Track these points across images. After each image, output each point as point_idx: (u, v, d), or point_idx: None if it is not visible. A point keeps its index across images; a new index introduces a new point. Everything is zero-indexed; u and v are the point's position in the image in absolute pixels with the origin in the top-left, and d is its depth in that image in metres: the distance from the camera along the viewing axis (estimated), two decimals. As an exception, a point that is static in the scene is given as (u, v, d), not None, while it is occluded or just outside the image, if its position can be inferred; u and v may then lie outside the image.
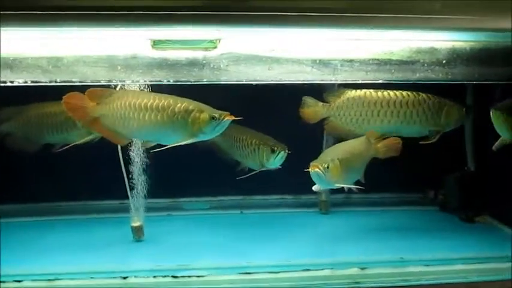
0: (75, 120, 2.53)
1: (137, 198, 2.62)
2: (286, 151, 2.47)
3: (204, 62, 1.89)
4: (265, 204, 3.21)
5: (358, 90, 2.51)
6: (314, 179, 2.21)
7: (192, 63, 1.89)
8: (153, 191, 2.98)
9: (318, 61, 1.90)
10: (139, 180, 2.62)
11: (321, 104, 2.57)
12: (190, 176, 3.04)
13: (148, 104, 2.13)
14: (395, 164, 3.12)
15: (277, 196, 3.25)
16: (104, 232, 2.76)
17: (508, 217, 2.79)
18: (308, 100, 2.56)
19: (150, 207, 3.03)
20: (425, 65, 1.93)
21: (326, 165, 2.17)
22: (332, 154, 2.28)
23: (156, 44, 1.88)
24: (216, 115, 2.08)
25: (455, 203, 2.96)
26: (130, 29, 1.78)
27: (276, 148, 2.46)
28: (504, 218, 2.83)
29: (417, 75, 1.94)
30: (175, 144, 2.14)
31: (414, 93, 2.46)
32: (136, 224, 2.64)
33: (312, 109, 2.57)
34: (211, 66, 1.90)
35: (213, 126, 2.09)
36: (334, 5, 1.89)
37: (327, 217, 3.08)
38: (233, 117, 2.08)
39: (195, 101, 2.18)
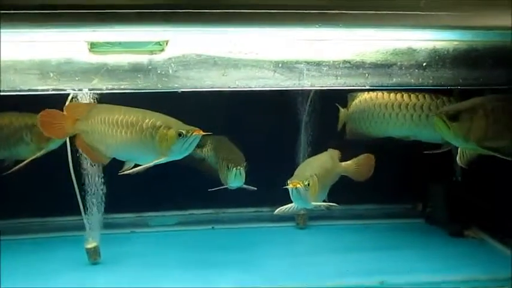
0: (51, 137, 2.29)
1: (92, 216, 2.39)
2: (241, 168, 2.23)
3: (150, 67, 1.64)
4: (239, 219, 2.98)
5: (372, 93, 2.40)
6: (294, 197, 1.98)
7: (136, 69, 1.64)
8: (115, 206, 2.76)
9: (281, 65, 1.66)
10: (95, 195, 2.39)
11: (342, 109, 2.56)
12: (156, 187, 2.78)
13: (119, 120, 1.96)
14: (381, 173, 2.93)
15: (253, 209, 3.02)
16: (56, 254, 2.51)
17: (498, 230, 2.58)
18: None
19: (110, 223, 2.82)
20: (403, 68, 1.70)
21: (307, 182, 1.96)
22: (309, 170, 2.06)
23: (94, 47, 1.63)
24: (183, 131, 1.86)
25: (442, 215, 2.74)
26: (64, 30, 1.53)
27: (229, 164, 2.23)
28: (495, 232, 2.63)
29: (394, 79, 1.71)
30: (149, 165, 1.94)
31: (432, 96, 2.28)
32: (91, 245, 2.39)
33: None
34: (158, 72, 1.64)
35: (181, 143, 1.87)
36: (299, 2, 1.67)
37: (304, 233, 2.84)
38: (202, 133, 1.87)
39: (167, 116, 1.98)
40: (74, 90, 1.68)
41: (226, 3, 1.61)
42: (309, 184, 1.95)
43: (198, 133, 1.86)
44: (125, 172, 2.02)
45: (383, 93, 2.38)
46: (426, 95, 2.29)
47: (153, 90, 1.65)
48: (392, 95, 2.36)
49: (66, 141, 2.27)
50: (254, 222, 2.91)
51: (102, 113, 2.01)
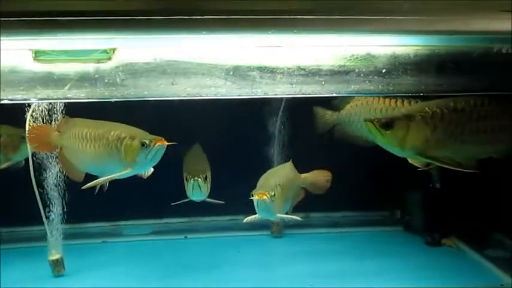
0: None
1: (55, 225, 2.32)
2: (198, 179, 2.15)
3: (97, 76, 1.57)
4: (213, 227, 2.92)
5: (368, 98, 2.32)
6: (259, 208, 1.93)
7: (83, 78, 1.58)
8: (87, 215, 2.70)
9: (232, 72, 1.60)
10: (59, 203, 2.33)
11: (329, 112, 2.49)
12: (131, 195, 2.72)
13: (88, 134, 1.94)
14: (359, 179, 2.87)
15: (228, 217, 2.96)
16: (20, 266, 2.43)
17: (476, 240, 2.51)
18: (317, 110, 2.51)
19: (82, 233, 2.77)
20: (362, 74, 1.63)
21: (273, 193, 1.90)
22: (273, 180, 2.01)
23: (39, 55, 1.57)
24: (146, 141, 1.82)
25: (419, 223, 2.66)
26: (8, 38, 1.47)
27: (188, 176, 2.16)
28: (473, 241, 2.55)
29: (352, 87, 1.63)
30: (116, 177, 1.90)
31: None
32: (54, 257, 2.32)
33: (321, 118, 2.51)
34: (106, 81, 1.58)
35: (145, 154, 1.82)
36: (252, 7, 1.61)
37: (279, 242, 2.78)
38: (165, 143, 1.82)
39: (134, 128, 1.94)
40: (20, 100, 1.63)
41: (175, 9, 1.56)
42: (274, 195, 1.89)
43: (162, 143, 1.81)
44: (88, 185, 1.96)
45: (379, 98, 2.28)
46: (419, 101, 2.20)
47: (100, 100, 1.59)
48: (387, 100, 2.25)
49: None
50: (229, 231, 2.85)
51: (75, 126, 2.00)
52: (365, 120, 1.80)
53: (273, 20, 1.55)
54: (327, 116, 2.49)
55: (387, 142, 1.77)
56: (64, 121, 2.07)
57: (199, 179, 2.13)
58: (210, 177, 2.22)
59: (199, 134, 2.64)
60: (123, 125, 1.98)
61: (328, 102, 2.51)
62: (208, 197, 2.28)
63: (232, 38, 1.55)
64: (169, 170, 2.41)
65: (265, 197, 1.85)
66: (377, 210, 2.98)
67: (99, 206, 2.70)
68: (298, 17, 1.57)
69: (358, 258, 2.52)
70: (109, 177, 1.92)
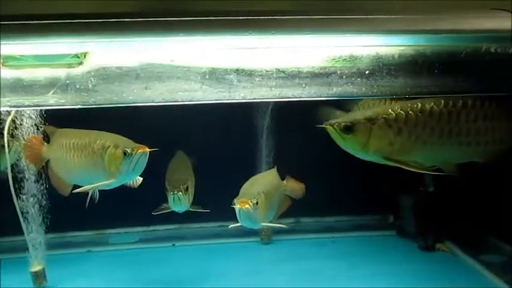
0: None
1: (37, 235, 2.25)
2: (178, 192, 2.04)
3: (68, 81, 1.51)
4: (202, 234, 2.85)
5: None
6: (241, 217, 1.85)
7: (53, 84, 1.51)
8: (71, 223, 2.64)
9: (208, 76, 1.53)
10: (40, 212, 2.26)
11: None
12: (117, 202, 2.66)
13: (74, 144, 1.92)
14: (352, 183, 2.80)
15: (217, 224, 2.89)
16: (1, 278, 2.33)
17: (471, 244, 2.44)
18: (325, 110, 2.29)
19: (66, 242, 2.70)
20: (344, 77, 1.56)
21: (255, 201, 1.83)
22: (256, 188, 1.93)
23: (7, 60, 1.50)
24: (128, 149, 1.78)
25: (412, 228, 2.59)
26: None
27: (168, 187, 2.06)
28: (467, 246, 2.48)
29: (334, 89, 1.57)
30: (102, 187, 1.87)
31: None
32: (36, 268, 2.25)
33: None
34: (77, 86, 1.52)
35: (128, 162, 1.79)
36: (229, 7, 1.55)
37: (268, 248, 2.70)
38: (147, 150, 1.78)
39: (119, 136, 1.90)
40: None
41: (149, 11, 1.50)
42: (257, 203, 1.82)
43: (143, 150, 1.76)
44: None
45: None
46: None
47: (71, 106, 1.52)
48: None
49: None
50: (217, 238, 2.78)
51: (62, 137, 1.96)
52: (324, 124, 1.72)
53: (250, 21, 1.51)
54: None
55: (349, 146, 1.71)
56: (50, 132, 2.03)
57: (180, 192, 2.03)
58: (192, 186, 2.12)
59: (186, 139, 2.58)
60: (108, 133, 1.93)
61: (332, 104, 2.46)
62: (197, 203, 2.21)
63: (208, 40, 1.49)
64: (157, 176, 2.38)
65: (247, 205, 1.78)
66: (369, 214, 2.91)
67: (83, 214, 2.64)
68: (277, 17, 1.53)
69: (350, 264, 2.46)
70: (94, 185, 1.88)
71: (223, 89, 1.52)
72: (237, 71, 1.52)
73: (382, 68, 1.56)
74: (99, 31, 1.48)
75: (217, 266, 2.52)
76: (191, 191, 2.09)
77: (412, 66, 1.57)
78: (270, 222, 2.04)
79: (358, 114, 1.72)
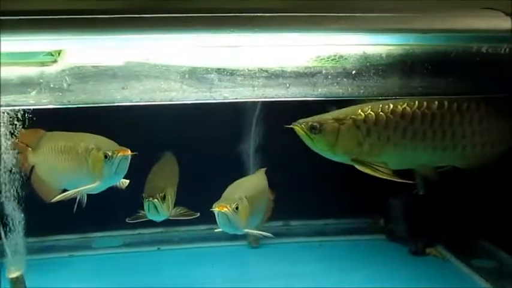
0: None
1: (15, 239, 2.17)
2: (153, 200, 1.90)
3: (41, 80, 1.45)
4: (188, 238, 2.79)
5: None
6: (220, 222, 1.78)
7: (26, 83, 1.45)
8: (53, 227, 2.57)
9: (188, 75, 1.47)
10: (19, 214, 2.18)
11: None
12: (100, 205, 2.60)
13: (61, 147, 1.86)
14: (342, 184, 2.75)
15: (204, 227, 2.82)
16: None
17: (462, 249, 2.39)
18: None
19: (46, 247, 2.63)
20: (330, 76, 1.51)
21: (235, 206, 1.76)
22: (238, 192, 1.86)
23: (-23, 58, 1.45)
24: (109, 152, 1.73)
25: (403, 232, 2.54)
26: None
27: (143, 194, 1.94)
28: (459, 250, 2.43)
29: (319, 90, 1.52)
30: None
31: None
32: (14, 274, 2.17)
33: None
34: (51, 85, 1.46)
35: (109, 165, 1.73)
36: (210, 4, 1.49)
37: (256, 252, 2.63)
38: (129, 153, 1.72)
39: (104, 138, 1.84)
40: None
41: (126, 8, 1.44)
42: (237, 208, 1.75)
43: (124, 153, 1.71)
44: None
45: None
46: None
47: (44, 106, 1.46)
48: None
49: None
50: (204, 242, 2.70)
51: (50, 140, 1.90)
52: (293, 124, 1.69)
53: (232, 18, 1.45)
54: None
55: (317, 146, 1.67)
56: (33, 136, 1.95)
57: (155, 200, 1.89)
58: (172, 193, 2.00)
59: (176, 139, 2.52)
60: (93, 135, 1.88)
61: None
62: (184, 206, 2.15)
63: (188, 37, 1.43)
64: (144, 177, 2.32)
65: (225, 209, 1.71)
66: (360, 217, 2.85)
67: (65, 216, 2.58)
68: (260, 14, 1.47)
69: (339, 269, 2.40)
70: (77, 190, 1.83)
71: (203, 88, 1.47)
72: (218, 70, 1.47)
73: (369, 68, 1.52)
74: (74, 28, 1.41)
75: (204, 270, 2.44)
76: (171, 198, 1.97)
77: (400, 66, 1.54)
78: (256, 227, 1.98)
79: (328, 115, 1.69)
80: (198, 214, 2.06)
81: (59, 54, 1.44)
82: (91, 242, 2.71)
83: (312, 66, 1.48)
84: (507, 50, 1.58)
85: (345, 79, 1.50)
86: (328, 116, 1.66)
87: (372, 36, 1.50)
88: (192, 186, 2.24)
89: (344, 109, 1.67)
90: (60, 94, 1.46)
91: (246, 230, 1.82)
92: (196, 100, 1.46)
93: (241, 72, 1.47)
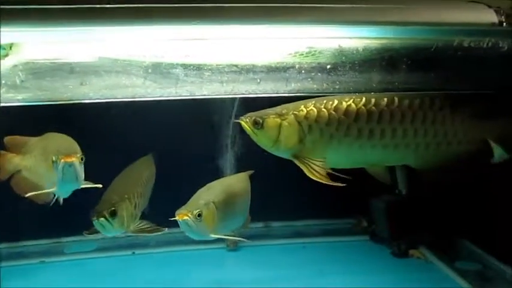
0: None
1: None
2: (101, 218, 1.71)
3: (-9, 76, 1.36)
4: (164, 241, 2.69)
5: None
6: (184, 229, 1.68)
7: (-24, 79, 1.36)
8: (21, 231, 2.46)
9: (151, 70, 1.38)
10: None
11: None
12: (73, 208, 2.49)
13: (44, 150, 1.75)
14: (324, 185, 2.68)
15: (179, 230, 2.70)
16: None
17: (446, 251, 2.33)
18: None
19: (16, 253, 2.52)
20: (303, 71, 1.43)
21: (197, 212, 1.65)
22: (206, 196, 1.75)
23: None
24: (53, 158, 1.60)
25: (385, 233, 2.48)
26: None
27: (96, 207, 1.76)
28: (443, 252, 2.37)
29: (292, 85, 1.43)
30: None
31: None
32: (-24, 283, 2.08)
33: None
34: (3, 82, 1.35)
35: (59, 171, 1.59)
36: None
37: (234, 255, 2.55)
38: (73, 159, 1.57)
39: (70, 140, 1.72)
40: None
41: (84, -3, 1.34)
42: (200, 215, 1.64)
43: (67, 160, 1.56)
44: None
45: None
46: None
47: (-2, 104, 1.36)
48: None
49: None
50: (180, 245, 2.60)
51: (41, 142, 1.80)
52: (240, 119, 1.63)
53: (197, 9, 1.35)
54: None
55: (260, 141, 1.62)
56: (19, 140, 1.84)
57: (101, 218, 1.70)
58: (131, 206, 1.80)
59: (152, 140, 2.43)
60: (65, 138, 1.76)
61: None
62: (159, 210, 2.03)
63: (150, 30, 1.32)
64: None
65: (186, 217, 1.61)
66: (342, 218, 2.79)
67: (35, 221, 2.48)
68: (228, 5, 1.38)
69: (320, 271, 2.34)
70: (35, 193, 1.71)
71: (168, 84, 1.38)
72: (184, 65, 1.38)
73: (345, 62, 1.44)
74: (28, 19, 1.32)
75: (180, 275, 2.37)
76: (127, 213, 1.77)
77: (377, 61, 1.46)
78: (233, 231, 1.89)
79: (272, 110, 1.63)
80: (166, 229, 1.86)
81: (10, 48, 1.34)
82: (63, 247, 2.61)
83: (284, 60, 1.40)
84: (489, 44, 1.52)
85: (319, 74, 1.42)
86: (272, 111, 1.61)
87: (348, 28, 1.43)
88: (170, 188, 2.16)
89: (289, 104, 1.60)
90: (13, 91, 1.35)
91: (214, 236, 1.72)
92: (161, 97, 1.37)
93: (209, 67, 1.37)
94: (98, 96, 1.36)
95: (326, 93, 1.43)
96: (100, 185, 1.79)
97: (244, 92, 1.40)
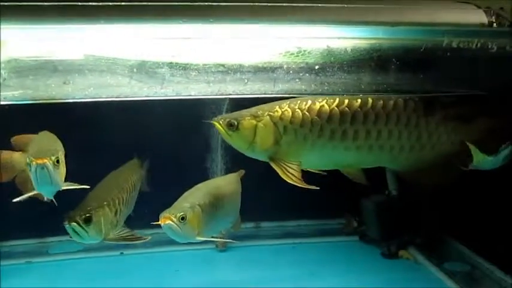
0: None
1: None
2: (73, 225, 1.64)
3: (-28, 74, 1.33)
4: (153, 242, 2.64)
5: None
6: (167, 232, 1.66)
7: (-44, 77, 1.32)
8: (6, 231, 2.42)
9: (136, 69, 1.35)
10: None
11: None
12: (59, 207, 2.45)
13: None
14: (314, 184, 2.66)
15: (168, 230, 2.71)
16: None
17: (435, 252, 2.33)
18: None
19: (2, 252, 2.48)
20: (291, 72, 1.41)
21: (180, 215, 1.62)
22: (192, 199, 1.72)
23: None
24: (27, 159, 1.55)
25: (375, 234, 2.47)
26: None
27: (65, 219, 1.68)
28: (432, 253, 2.37)
29: (280, 86, 1.41)
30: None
31: None
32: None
33: None
34: (-16, 80, 1.33)
35: (32, 172, 1.54)
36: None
37: (223, 256, 2.52)
38: (45, 161, 1.52)
39: (57, 142, 1.69)
40: None
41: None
42: (183, 218, 1.61)
43: (38, 162, 1.51)
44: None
45: None
46: None
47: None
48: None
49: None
50: (169, 245, 2.55)
51: (32, 141, 1.74)
52: (213, 121, 1.60)
53: (185, 7, 1.34)
54: None
55: (235, 143, 1.60)
56: (25, 139, 1.79)
57: (73, 223, 1.63)
58: (110, 212, 1.73)
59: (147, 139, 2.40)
60: (47, 138, 1.73)
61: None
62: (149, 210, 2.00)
63: (136, 28, 1.31)
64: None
65: (169, 221, 1.58)
66: (332, 218, 2.78)
67: (21, 220, 2.44)
68: (215, 3, 1.36)
69: (309, 271, 2.32)
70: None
71: (154, 84, 1.35)
72: (170, 64, 1.35)
73: (333, 63, 1.42)
74: (9, 16, 1.29)
75: (169, 276, 2.33)
76: (104, 219, 1.70)
77: (366, 61, 1.44)
78: (222, 232, 1.87)
79: (247, 111, 1.60)
80: (148, 238, 1.83)
81: (-6, 45, 1.32)
82: (49, 247, 2.57)
83: (272, 60, 1.38)
84: (479, 45, 1.51)
85: (307, 74, 1.40)
86: (247, 113, 1.58)
87: (337, 28, 1.42)
88: (158, 188, 2.13)
89: (263, 105, 1.57)
90: (-5, 90, 1.33)
91: (200, 239, 1.70)
92: (146, 96, 1.35)
93: (195, 67, 1.35)
94: (81, 95, 1.33)
95: (314, 93, 1.42)
96: (86, 186, 1.75)
97: (231, 93, 1.37)
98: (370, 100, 1.55)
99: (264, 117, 1.54)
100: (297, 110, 1.52)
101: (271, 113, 1.54)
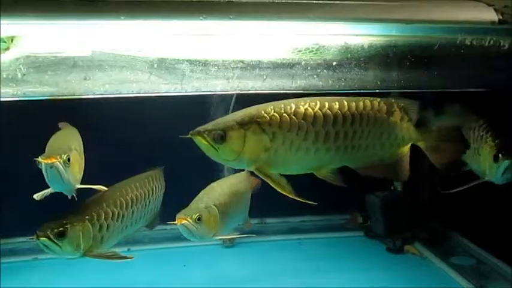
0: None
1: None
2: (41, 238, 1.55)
3: (-9, 69, 1.32)
4: (160, 238, 2.67)
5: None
6: (183, 233, 1.68)
7: (-24, 72, 1.32)
8: (14, 228, 2.42)
9: (157, 65, 1.36)
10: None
11: None
12: (65, 204, 2.44)
13: None
14: (319, 180, 2.68)
15: (175, 226, 2.70)
16: None
17: (441, 247, 2.35)
18: None
19: (9, 250, 2.48)
20: (309, 68, 1.42)
21: (197, 216, 1.64)
22: (207, 199, 1.74)
23: None
24: (39, 158, 1.57)
25: (380, 229, 2.49)
26: None
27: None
28: (438, 247, 2.40)
29: (298, 82, 1.43)
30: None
31: None
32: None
33: None
34: (4, 76, 1.31)
35: (43, 172, 1.57)
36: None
37: (230, 252, 2.55)
38: (53, 161, 1.54)
39: (73, 141, 1.71)
40: None
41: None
42: (199, 219, 1.64)
43: (46, 162, 1.53)
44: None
45: None
46: None
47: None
48: None
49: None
50: (176, 241, 2.58)
51: None
52: (191, 133, 1.42)
53: (205, 4, 1.34)
54: None
55: (223, 158, 1.42)
56: None
57: (43, 238, 1.55)
58: (96, 229, 1.63)
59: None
60: (63, 136, 1.76)
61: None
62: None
63: (157, 24, 1.32)
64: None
65: (185, 221, 1.60)
66: (338, 214, 2.80)
67: (28, 218, 2.43)
68: (235, 0, 1.37)
69: (315, 267, 2.36)
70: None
71: (174, 80, 1.36)
72: (190, 61, 1.36)
73: (350, 59, 1.43)
74: (29, 12, 1.29)
75: (176, 272, 2.36)
76: (84, 235, 1.60)
77: (382, 58, 1.46)
78: (234, 229, 1.89)
79: (230, 118, 1.44)
80: (132, 257, 1.75)
81: (12, 41, 1.31)
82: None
83: (290, 56, 1.39)
84: (491, 42, 1.54)
85: (325, 71, 1.41)
86: (231, 120, 1.42)
87: (351, 25, 1.43)
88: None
89: (247, 110, 1.44)
90: (14, 85, 1.32)
91: (217, 237, 1.71)
92: (166, 92, 1.35)
93: (215, 63, 1.36)
94: (101, 91, 1.34)
95: (331, 90, 1.43)
96: (101, 187, 1.73)
97: (250, 89, 1.38)
98: (345, 103, 1.46)
99: (252, 124, 1.40)
100: (284, 114, 1.41)
101: (259, 119, 1.40)
